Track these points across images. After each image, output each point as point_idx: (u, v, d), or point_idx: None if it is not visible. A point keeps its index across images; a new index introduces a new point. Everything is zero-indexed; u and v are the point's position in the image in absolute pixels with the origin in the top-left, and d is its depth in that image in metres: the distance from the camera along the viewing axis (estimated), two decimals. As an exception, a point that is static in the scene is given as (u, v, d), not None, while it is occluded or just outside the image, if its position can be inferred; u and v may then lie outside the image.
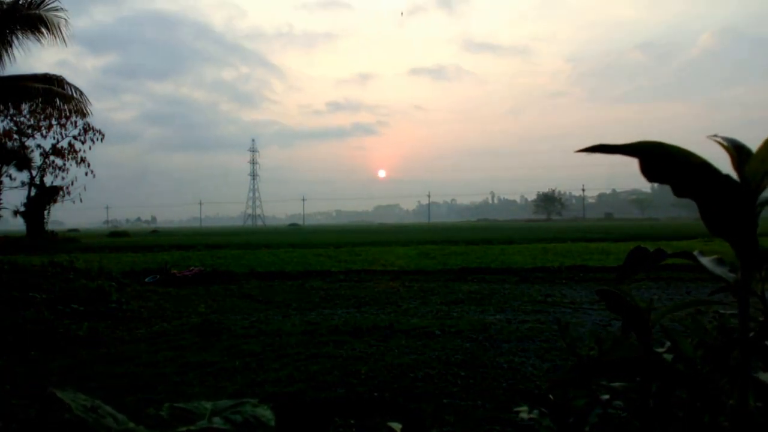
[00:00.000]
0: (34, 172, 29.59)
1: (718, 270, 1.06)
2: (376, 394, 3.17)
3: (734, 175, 1.02)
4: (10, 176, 28.08)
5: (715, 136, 1.04)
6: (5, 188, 27.22)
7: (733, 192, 0.94)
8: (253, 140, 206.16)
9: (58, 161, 30.13)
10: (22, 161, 28.33)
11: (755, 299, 1.01)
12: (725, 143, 1.01)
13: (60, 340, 4.81)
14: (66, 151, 29.86)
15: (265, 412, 1.01)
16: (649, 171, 0.98)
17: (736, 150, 1.00)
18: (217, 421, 0.90)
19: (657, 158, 0.97)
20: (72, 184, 30.63)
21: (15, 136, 28.51)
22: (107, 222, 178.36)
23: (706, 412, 1.03)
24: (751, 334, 1.01)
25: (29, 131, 28.96)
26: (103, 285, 7.35)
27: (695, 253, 1.11)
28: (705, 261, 1.09)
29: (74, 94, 14.55)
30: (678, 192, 0.99)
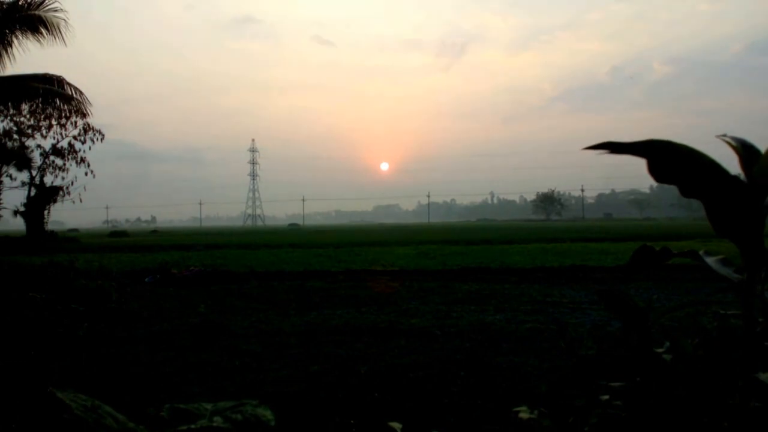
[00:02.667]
0: (34, 172, 29.58)
1: (724, 270, 1.05)
2: (376, 394, 3.17)
3: (742, 175, 1.01)
4: (10, 176, 28.09)
5: (724, 135, 1.02)
6: (5, 188, 27.22)
7: (740, 193, 0.93)
8: (253, 140, 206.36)
9: (58, 161, 30.12)
10: (22, 161, 28.31)
11: (757, 299, 1.01)
12: (733, 143, 0.99)
13: (60, 340, 4.81)
14: (66, 151, 29.83)
15: (266, 412, 1.01)
16: (656, 171, 0.96)
17: (745, 150, 0.98)
18: (218, 420, 0.90)
19: (665, 158, 0.96)
20: (72, 184, 30.60)
21: (15, 136, 28.48)
22: (107, 222, 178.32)
23: (706, 412, 1.03)
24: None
25: (29, 131, 28.92)
26: (103, 285, 7.34)
27: (701, 253, 1.09)
28: (710, 261, 1.08)
29: (74, 94, 14.54)
30: (685, 192, 0.97)
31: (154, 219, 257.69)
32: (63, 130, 29.32)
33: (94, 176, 30.56)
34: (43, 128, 28.98)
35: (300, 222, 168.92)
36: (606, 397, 1.18)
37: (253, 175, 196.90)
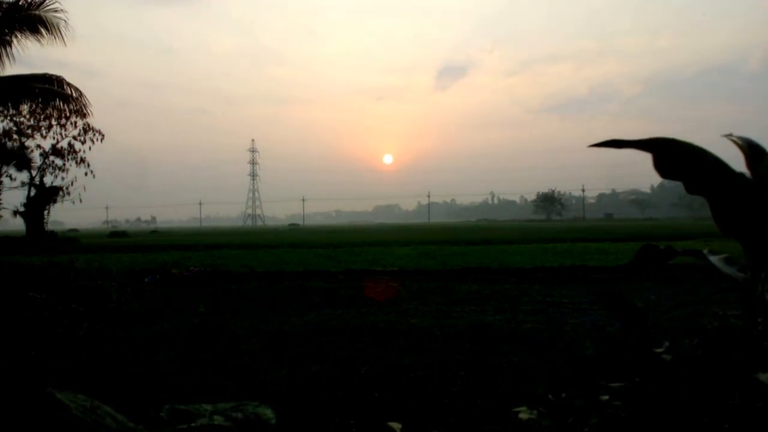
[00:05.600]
0: (34, 172, 29.60)
1: (727, 269, 1.04)
2: (376, 394, 3.17)
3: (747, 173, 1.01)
4: (10, 176, 28.12)
5: (730, 135, 1.02)
6: (5, 188, 27.24)
7: (746, 190, 0.93)
8: (252, 140, 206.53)
9: (58, 161, 30.12)
10: (22, 161, 28.32)
11: (757, 299, 1.00)
12: (739, 142, 0.99)
13: (60, 340, 4.81)
14: (66, 152, 29.83)
15: (266, 411, 1.01)
16: (662, 167, 0.97)
17: (750, 149, 0.98)
18: (219, 419, 0.90)
19: (671, 154, 0.96)
20: (72, 184, 30.60)
21: (15, 136, 28.47)
22: (107, 222, 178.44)
23: (706, 412, 1.02)
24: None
25: (29, 131, 28.91)
26: (103, 285, 7.35)
27: (705, 252, 1.09)
28: (714, 260, 1.08)
29: (74, 95, 14.55)
30: (690, 189, 0.98)
31: (154, 219, 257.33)
32: (63, 130, 29.34)
33: (94, 176, 30.59)
34: (42, 128, 28.99)
35: (300, 222, 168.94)
36: (606, 397, 1.17)
37: (253, 175, 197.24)
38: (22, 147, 28.74)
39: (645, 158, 1.15)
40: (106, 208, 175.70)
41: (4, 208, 27.49)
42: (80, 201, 30.74)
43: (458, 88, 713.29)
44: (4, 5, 13.01)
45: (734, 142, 1.04)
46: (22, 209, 29.77)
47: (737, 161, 1.02)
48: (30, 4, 13.02)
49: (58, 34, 13.42)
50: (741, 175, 0.99)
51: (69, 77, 14.44)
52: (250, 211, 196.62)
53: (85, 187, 30.90)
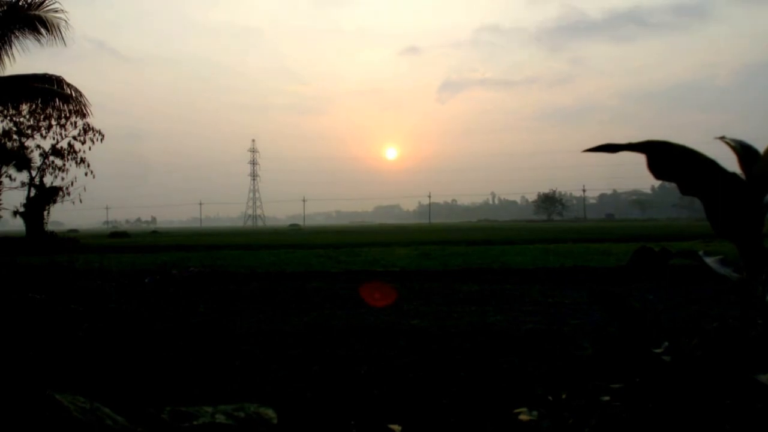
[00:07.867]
0: (33, 173, 29.56)
1: (723, 270, 1.04)
2: (376, 393, 3.17)
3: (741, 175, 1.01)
4: (9, 176, 28.08)
5: (723, 137, 1.02)
6: (5, 188, 27.24)
7: (739, 191, 0.93)
8: (253, 140, 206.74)
9: (58, 162, 30.10)
10: (22, 161, 28.31)
11: (757, 300, 1.00)
12: (732, 143, 0.99)
13: (60, 340, 4.81)
14: (66, 152, 29.81)
15: (268, 411, 1.01)
16: (656, 168, 0.97)
17: (743, 150, 0.98)
18: (220, 418, 0.90)
19: (664, 156, 0.96)
20: (72, 184, 30.59)
21: (15, 136, 28.46)
22: (107, 222, 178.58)
23: (706, 412, 1.02)
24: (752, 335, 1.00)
25: (29, 131, 28.89)
26: (103, 285, 7.35)
27: (700, 253, 1.09)
28: (709, 261, 1.08)
29: (73, 95, 14.56)
30: (684, 190, 0.98)
31: (154, 220, 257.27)
32: (63, 130, 29.27)
33: (94, 176, 30.57)
34: (42, 128, 28.93)
35: (301, 222, 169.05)
36: (606, 397, 1.17)
37: (254, 176, 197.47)
38: (22, 147, 28.69)
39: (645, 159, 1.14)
40: (106, 208, 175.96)
41: (4, 208, 27.51)
42: (80, 201, 30.72)
43: (456, 102, 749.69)
44: (4, 5, 13.02)
45: (727, 143, 1.05)
46: (21, 209, 29.74)
47: (726, 165, 1.02)
48: (30, 4, 13.02)
49: (58, 34, 13.44)
50: (734, 175, 0.99)
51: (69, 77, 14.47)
52: (250, 211, 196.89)
53: (85, 188, 30.90)
